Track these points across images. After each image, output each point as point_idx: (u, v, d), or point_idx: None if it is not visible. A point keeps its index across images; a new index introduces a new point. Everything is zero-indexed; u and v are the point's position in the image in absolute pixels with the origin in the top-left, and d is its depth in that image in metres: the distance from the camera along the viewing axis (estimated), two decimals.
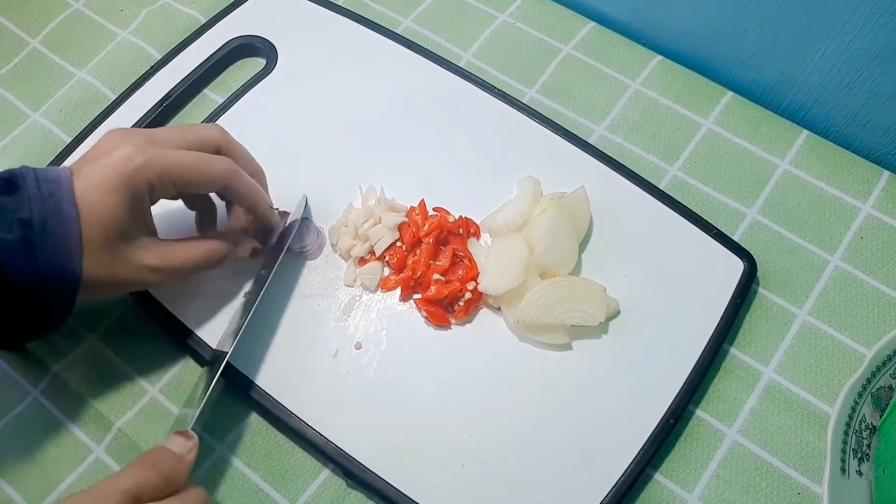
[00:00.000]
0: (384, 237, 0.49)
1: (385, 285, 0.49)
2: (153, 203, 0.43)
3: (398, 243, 0.49)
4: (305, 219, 0.51)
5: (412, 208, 0.51)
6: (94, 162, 0.40)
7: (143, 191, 0.41)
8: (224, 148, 0.45)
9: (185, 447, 0.39)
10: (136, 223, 0.41)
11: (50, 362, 0.48)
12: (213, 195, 0.49)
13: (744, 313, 0.49)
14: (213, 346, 0.47)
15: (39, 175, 0.39)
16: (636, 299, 0.48)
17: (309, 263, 0.50)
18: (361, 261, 0.50)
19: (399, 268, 0.49)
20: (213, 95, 0.59)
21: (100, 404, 0.47)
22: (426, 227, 0.49)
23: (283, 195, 0.52)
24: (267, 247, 0.49)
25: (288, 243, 0.49)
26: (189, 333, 0.48)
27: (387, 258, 0.49)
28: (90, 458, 0.45)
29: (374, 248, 0.49)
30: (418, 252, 0.49)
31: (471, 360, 0.47)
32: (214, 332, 0.47)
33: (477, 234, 0.51)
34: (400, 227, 0.50)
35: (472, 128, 0.55)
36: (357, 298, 0.49)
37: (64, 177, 0.39)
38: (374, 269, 0.49)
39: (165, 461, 0.37)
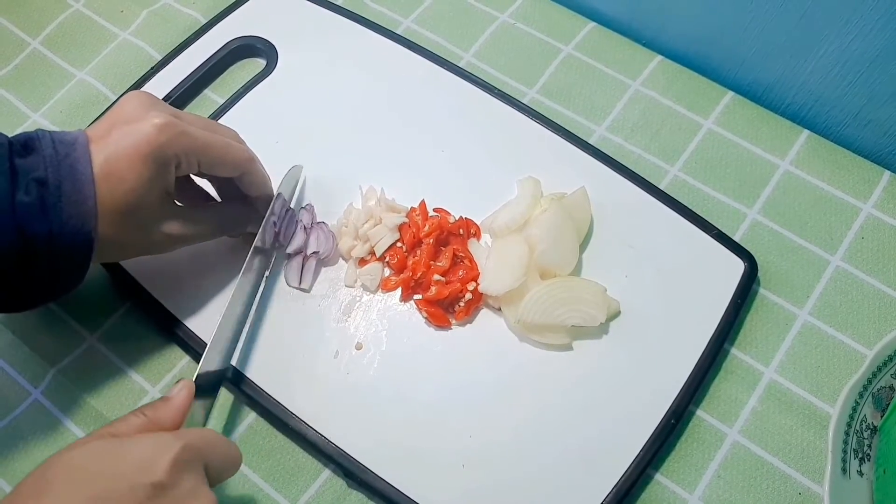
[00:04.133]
0: (384, 238, 0.49)
1: (385, 286, 0.49)
2: (176, 175, 0.43)
3: (398, 244, 0.49)
4: (322, 223, 0.51)
5: (412, 209, 0.51)
6: (123, 126, 0.40)
7: (171, 163, 0.41)
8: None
9: (174, 389, 0.39)
10: (159, 192, 0.41)
11: (50, 362, 0.48)
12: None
13: (744, 313, 0.49)
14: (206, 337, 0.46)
15: (55, 137, 0.39)
16: (636, 299, 0.48)
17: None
18: (362, 261, 0.50)
19: (399, 268, 0.49)
20: (213, 96, 0.59)
21: (100, 404, 0.47)
22: (426, 227, 0.49)
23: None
24: (267, 242, 0.49)
25: (289, 241, 0.49)
26: (189, 334, 0.47)
27: (387, 259, 0.49)
28: None
29: (375, 248, 0.49)
30: (418, 253, 0.49)
31: (471, 361, 0.47)
32: (212, 328, 0.47)
33: (477, 235, 0.51)
34: (400, 227, 0.50)
35: (472, 128, 0.55)
36: (357, 299, 0.49)
37: (80, 140, 0.39)
38: (375, 269, 0.49)
39: (151, 405, 0.38)
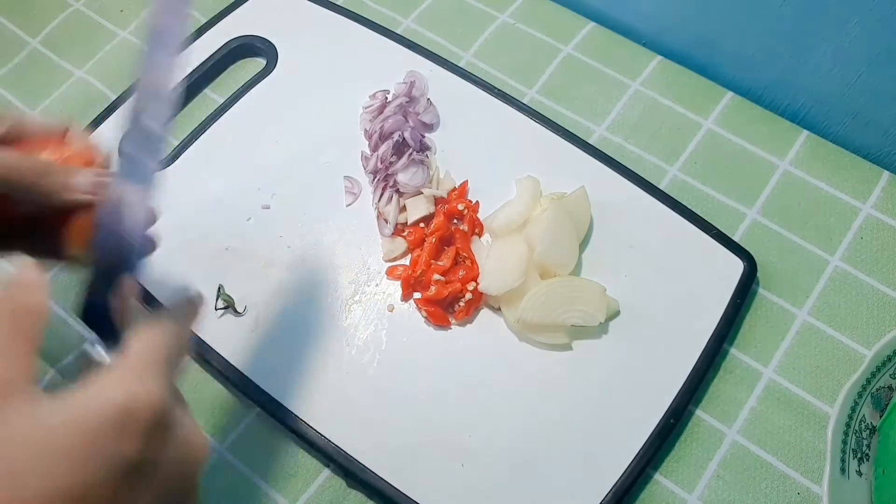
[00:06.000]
0: (420, 207, 0.51)
1: (391, 272, 0.49)
2: None
3: (421, 224, 0.51)
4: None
5: (453, 188, 0.52)
6: None
7: None
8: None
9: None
10: None
11: (50, 362, 0.48)
12: None
13: (744, 313, 0.49)
14: (212, 345, 0.47)
15: None
16: (636, 299, 0.48)
17: None
18: (395, 233, 0.51)
19: (414, 244, 0.50)
20: (213, 95, 0.59)
21: None
22: (432, 226, 0.50)
23: (283, 194, 0.52)
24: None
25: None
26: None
27: (406, 232, 0.50)
28: None
29: (409, 215, 0.51)
30: (422, 249, 0.49)
31: (471, 361, 0.47)
32: (213, 328, 0.47)
33: (480, 232, 0.51)
34: (437, 203, 0.51)
35: (472, 128, 0.55)
36: (358, 301, 0.49)
37: None
38: (399, 242, 0.50)
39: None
